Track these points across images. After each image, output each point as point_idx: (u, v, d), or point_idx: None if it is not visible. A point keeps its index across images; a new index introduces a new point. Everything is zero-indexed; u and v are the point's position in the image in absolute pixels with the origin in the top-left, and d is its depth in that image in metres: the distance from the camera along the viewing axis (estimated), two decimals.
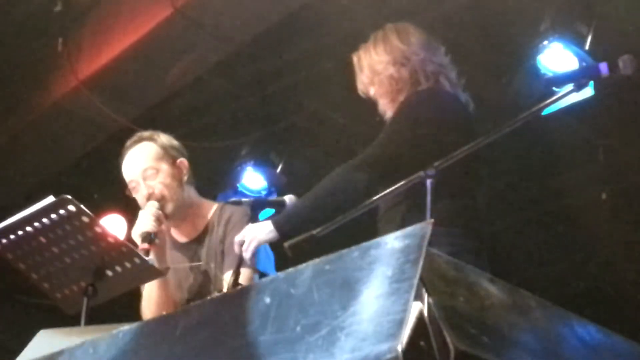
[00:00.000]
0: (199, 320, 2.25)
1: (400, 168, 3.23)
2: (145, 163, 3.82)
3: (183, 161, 3.88)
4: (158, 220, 3.69)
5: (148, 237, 3.62)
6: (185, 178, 3.86)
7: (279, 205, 3.73)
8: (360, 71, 3.75)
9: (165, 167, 3.82)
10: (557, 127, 5.73)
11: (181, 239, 3.90)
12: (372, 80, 3.70)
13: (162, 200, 3.76)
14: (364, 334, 1.82)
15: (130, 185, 3.85)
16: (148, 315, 3.75)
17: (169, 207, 3.78)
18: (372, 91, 3.73)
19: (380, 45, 3.68)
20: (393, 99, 3.63)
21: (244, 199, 3.77)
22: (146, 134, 3.92)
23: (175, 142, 3.93)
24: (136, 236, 3.65)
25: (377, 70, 3.67)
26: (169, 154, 3.86)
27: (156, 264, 3.66)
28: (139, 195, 3.81)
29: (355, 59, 3.77)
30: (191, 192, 3.91)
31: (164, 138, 3.91)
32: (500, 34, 5.39)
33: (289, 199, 3.69)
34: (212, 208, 3.89)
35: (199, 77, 5.87)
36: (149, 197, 3.77)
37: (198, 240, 3.86)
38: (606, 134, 6.08)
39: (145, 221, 3.66)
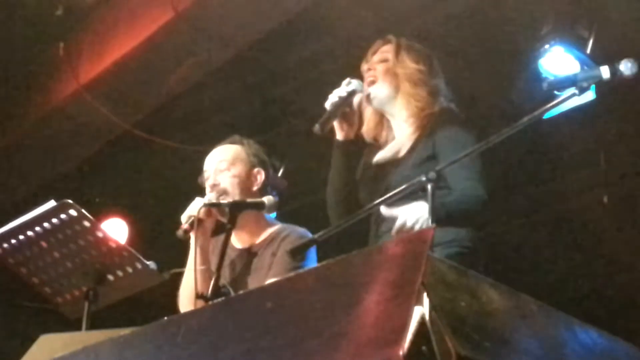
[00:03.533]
0: (201, 325, 2.24)
1: None
2: (221, 157, 3.96)
3: (260, 172, 3.96)
4: (208, 211, 3.74)
5: (190, 220, 3.66)
6: (255, 188, 3.92)
7: (258, 207, 3.77)
8: (395, 55, 3.75)
9: (239, 168, 3.93)
10: (558, 131, 5.73)
11: (237, 244, 3.94)
12: (396, 71, 3.72)
13: (223, 195, 3.83)
14: (366, 339, 1.81)
15: (205, 175, 3.95)
16: (185, 303, 3.73)
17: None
18: (382, 76, 3.75)
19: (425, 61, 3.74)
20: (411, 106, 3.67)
21: (222, 201, 3.77)
22: (237, 137, 4.07)
23: (262, 154, 4.03)
24: (183, 217, 3.70)
25: (412, 72, 3.70)
26: (248, 160, 3.96)
27: (196, 250, 3.70)
28: (207, 185, 3.91)
29: (393, 42, 3.79)
30: None
31: (253, 146, 4.04)
32: (502, 37, 5.39)
33: (267, 200, 3.76)
34: (274, 226, 3.92)
35: (200, 82, 5.87)
36: (213, 188, 3.87)
37: (254, 249, 3.89)
38: (608, 137, 6.07)
39: (195, 206, 3.71)
